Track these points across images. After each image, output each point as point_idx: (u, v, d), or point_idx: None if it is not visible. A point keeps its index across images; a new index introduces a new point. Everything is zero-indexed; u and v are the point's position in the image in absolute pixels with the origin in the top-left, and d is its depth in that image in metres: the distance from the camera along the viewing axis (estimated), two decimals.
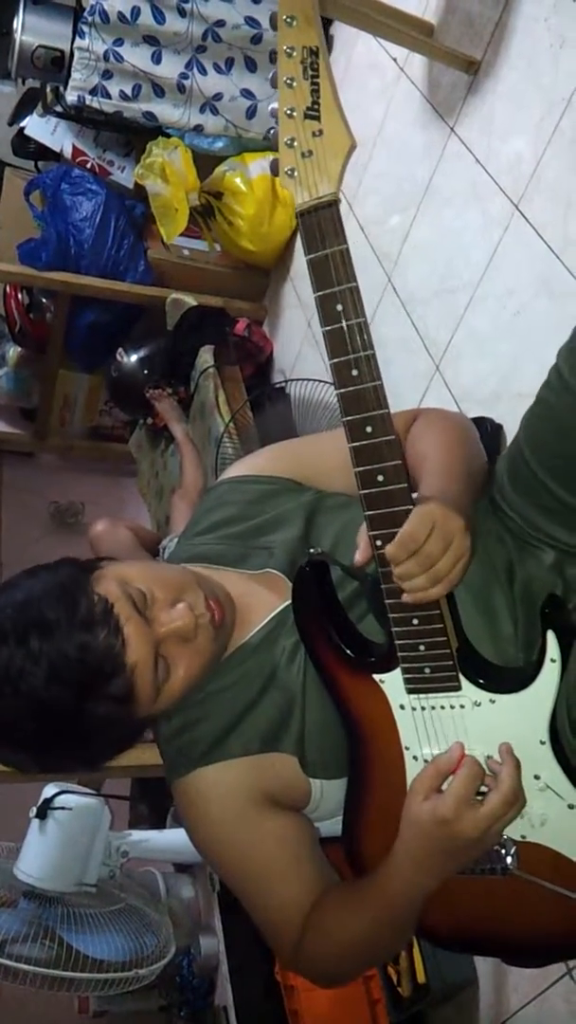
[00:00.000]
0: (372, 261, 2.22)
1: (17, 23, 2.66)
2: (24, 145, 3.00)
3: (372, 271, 2.20)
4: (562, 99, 1.59)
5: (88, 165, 2.93)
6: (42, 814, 1.50)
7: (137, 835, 1.66)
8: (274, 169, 0.72)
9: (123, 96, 2.60)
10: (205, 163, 2.73)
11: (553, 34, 1.63)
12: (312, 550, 0.90)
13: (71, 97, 2.59)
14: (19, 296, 3.14)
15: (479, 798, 0.82)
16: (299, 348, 2.73)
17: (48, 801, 1.52)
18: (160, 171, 2.63)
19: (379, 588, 0.83)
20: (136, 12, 2.45)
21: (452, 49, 1.87)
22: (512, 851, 0.87)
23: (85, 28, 2.47)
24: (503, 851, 0.87)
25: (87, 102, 2.60)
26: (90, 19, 2.45)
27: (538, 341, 1.65)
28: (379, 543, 0.81)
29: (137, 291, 2.90)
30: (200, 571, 1.00)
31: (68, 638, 0.84)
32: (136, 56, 2.54)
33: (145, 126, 2.71)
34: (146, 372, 2.82)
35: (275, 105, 0.72)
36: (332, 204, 0.73)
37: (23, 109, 2.99)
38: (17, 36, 2.66)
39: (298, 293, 2.78)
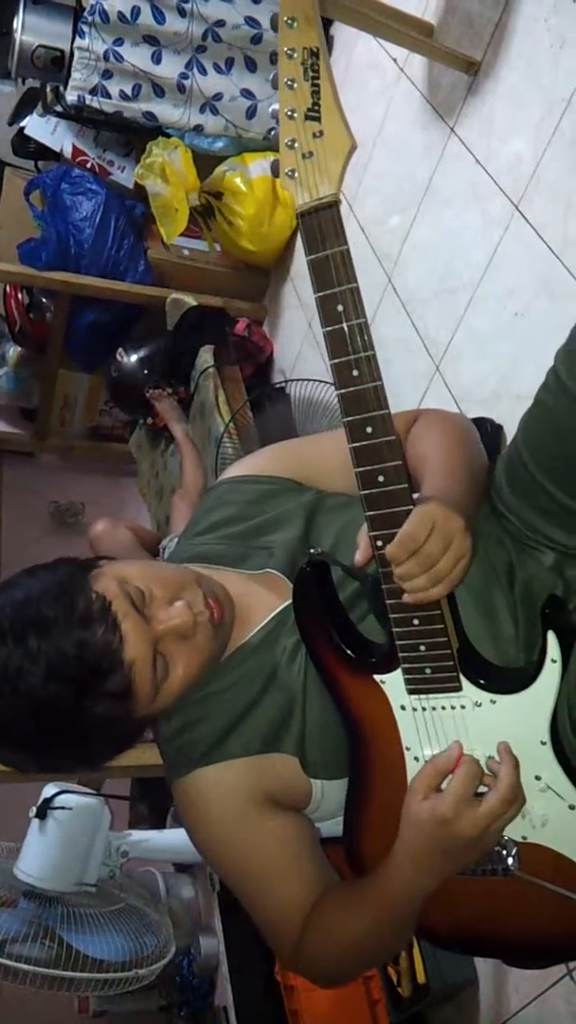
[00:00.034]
0: (372, 261, 2.22)
1: (17, 23, 2.66)
2: (24, 145, 3.00)
3: (372, 271, 2.20)
4: (562, 99, 1.59)
5: (88, 165, 2.93)
6: (42, 814, 1.50)
7: (137, 835, 1.66)
8: (275, 170, 0.72)
9: (123, 96, 2.60)
10: (205, 163, 2.72)
11: (553, 34, 1.63)
12: (313, 550, 0.90)
13: (71, 97, 2.59)
14: (19, 296, 3.14)
15: (478, 797, 0.82)
16: (299, 348, 2.73)
17: (48, 801, 1.52)
18: (160, 171, 2.63)
19: (380, 588, 0.83)
20: (136, 12, 2.45)
21: (452, 49, 1.87)
22: (513, 852, 0.87)
23: (85, 28, 2.47)
24: (504, 852, 0.87)
25: (87, 102, 2.60)
26: (90, 19, 2.45)
27: (538, 341, 1.65)
28: (380, 543, 0.81)
29: (137, 291, 2.90)
30: (200, 570, 1.00)
31: (66, 636, 0.84)
32: (136, 56, 2.54)
33: (145, 126, 2.71)
34: (146, 372, 2.82)
35: (276, 106, 0.72)
36: (333, 205, 0.73)
37: (23, 109, 2.99)
38: (17, 36, 2.66)
39: (298, 293, 2.78)
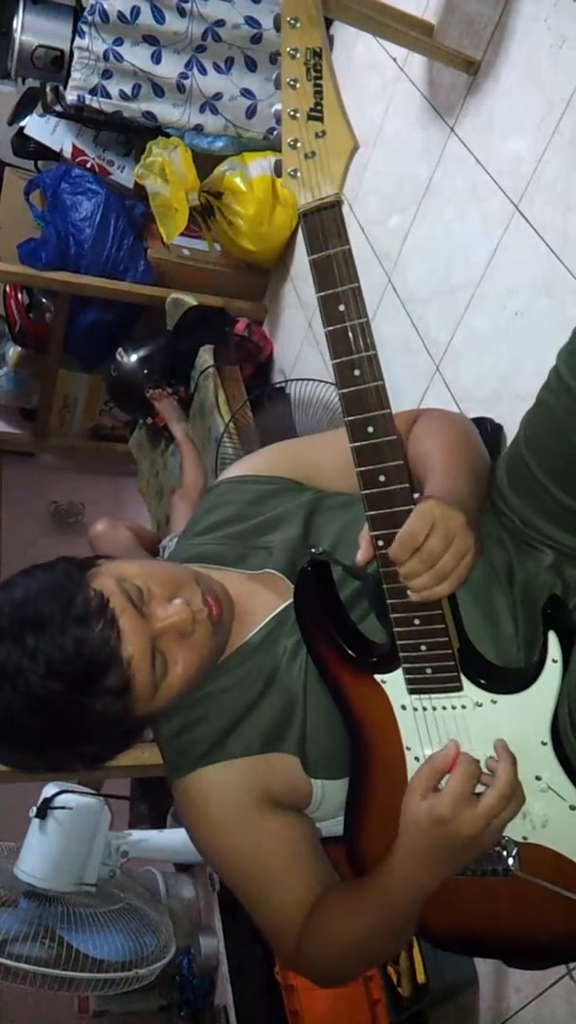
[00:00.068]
0: (372, 261, 2.22)
1: (17, 23, 2.66)
2: (24, 145, 3.00)
3: (372, 271, 2.20)
4: (562, 99, 1.59)
5: (88, 165, 2.93)
6: (42, 814, 1.50)
7: (137, 835, 1.66)
8: (277, 170, 0.72)
9: (123, 96, 2.60)
10: (205, 163, 2.72)
11: (553, 34, 1.63)
12: (314, 549, 0.90)
13: (71, 97, 2.59)
14: (19, 296, 3.14)
15: (477, 796, 0.82)
16: (299, 348, 2.73)
17: (48, 801, 1.52)
18: (160, 171, 2.63)
19: (381, 588, 0.83)
20: (136, 12, 2.45)
21: (452, 49, 1.87)
22: (513, 852, 0.87)
23: (85, 28, 2.47)
24: (504, 852, 0.87)
25: (87, 102, 2.60)
26: (90, 19, 2.45)
27: (538, 341, 1.65)
28: (381, 543, 0.81)
29: (137, 291, 2.90)
30: (199, 570, 1.00)
31: (64, 633, 0.84)
32: (136, 56, 2.53)
33: (145, 126, 2.71)
34: (146, 372, 2.82)
35: (278, 106, 0.72)
36: (335, 205, 0.73)
37: (23, 109, 2.99)
38: (17, 36, 2.66)
39: (298, 293, 2.78)
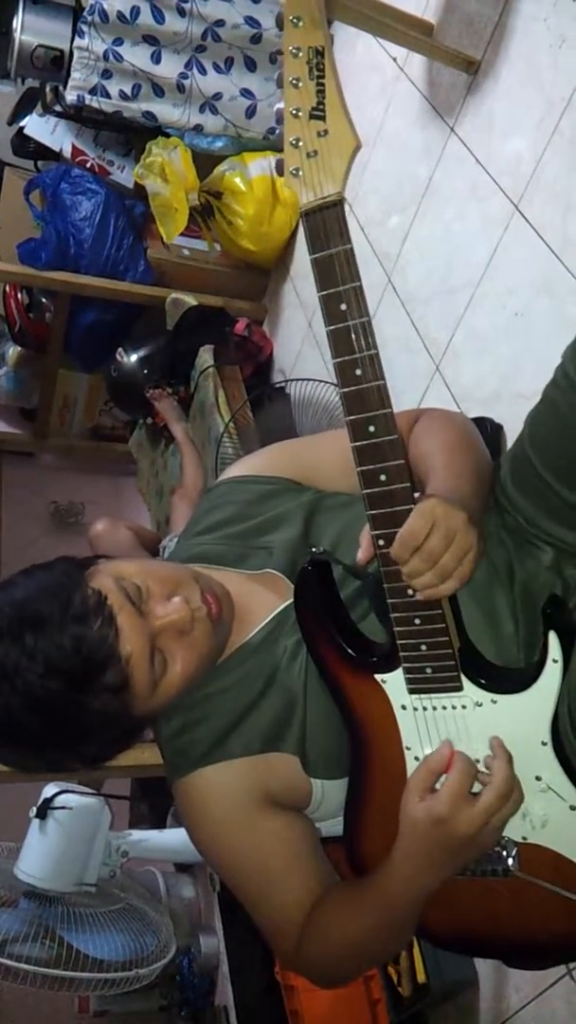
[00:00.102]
0: (372, 261, 2.22)
1: (16, 23, 2.66)
2: (24, 145, 3.00)
3: (372, 271, 2.20)
4: (562, 99, 1.59)
5: (88, 165, 2.93)
6: (42, 814, 1.50)
7: (137, 835, 1.66)
8: (279, 169, 0.71)
9: (123, 96, 2.60)
10: (205, 163, 2.72)
11: (553, 34, 1.63)
12: (314, 549, 0.90)
13: (71, 97, 2.58)
14: (19, 296, 3.14)
15: (475, 795, 0.82)
16: (299, 348, 2.73)
17: (48, 801, 1.52)
18: (160, 171, 2.63)
19: (381, 587, 0.83)
20: (136, 12, 2.45)
21: (452, 49, 1.87)
22: (513, 852, 0.87)
23: (84, 28, 2.47)
24: (504, 852, 0.87)
25: (87, 102, 2.60)
26: (89, 19, 2.45)
27: (538, 341, 1.65)
28: (382, 542, 0.81)
29: (137, 291, 2.90)
30: (199, 569, 1.00)
31: (62, 632, 0.84)
32: (136, 56, 2.53)
33: (145, 126, 2.71)
34: (146, 372, 2.82)
35: (280, 105, 0.72)
36: (337, 204, 0.73)
37: (23, 109, 2.99)
38: (16, 36, 2.66)
39: (298, 293, 2.78)
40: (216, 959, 2.20)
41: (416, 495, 0.81)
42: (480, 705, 0.85)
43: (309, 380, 2.35)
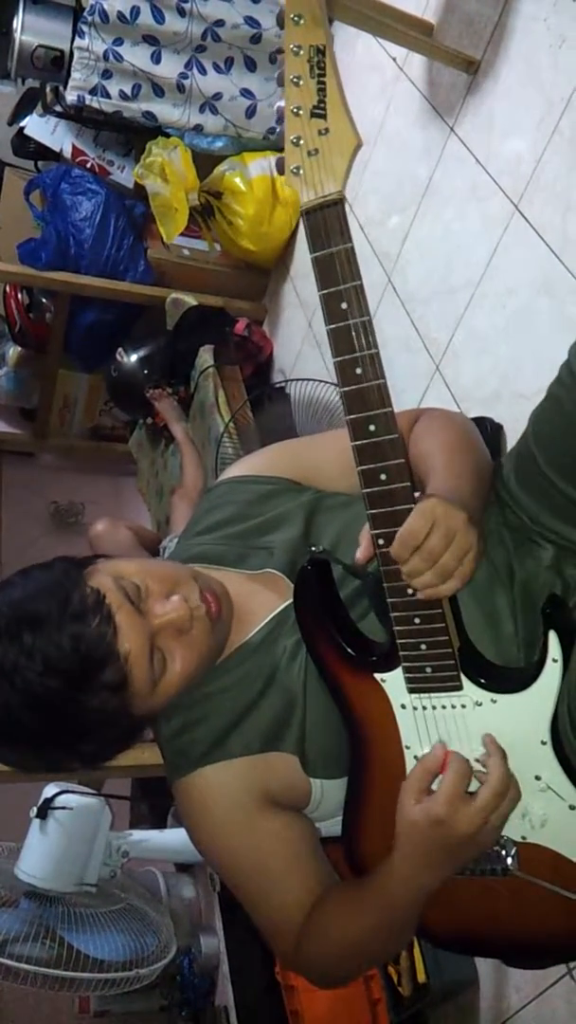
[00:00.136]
0: (372, 261, 2.22)
1: (17, 23, 2.66)
2: (24, 145, 3.00)
3: (372, 271, 2.21)
4: (562, 99, 1.59)
5: (88, 165, 2.93)
6: (43, 814, 1.50)
7: (138, 835, 1.66)
8: (280, 167, 0.71)
9: (123, 96, 2.60)
10: (205, 163, 2.72)
11: (553, 34, 1.63)
12: (314, 548, 0.90)
13: (71, 97, 2.59)
14: (19, 296, 3.14)
15: (472, 794, 0.82)
16: (299, 348, 2.73)
17: (49, 801, 1.52)
18: (160, 171, 2.63)
19: (381, 587, 0.83)
20: (136, 12, 2.45)
21: (452, 49, 1.87)
22: (512, 852, 0.87)
23: (85, 28, 2.47)
24: (503, 852, 0.87)
25: (87, 102, 2.60)
26: (90, 19, 2.45)
27: (538, 341, 1.65)
28: (382, 542, 0.81)
29: (137, 291, 2.90)
30: (199, 569, 1.00)
31: (60, 630, 0.84)
32: (136, 56, 2.53)
33: (145, 126, 2.71)
34: (146, 372, 2.82)
35: (281, 103, 0.72)
36: (338, 202, 0.73)
37: (23, 109, 2.99)
38: (17, 36, 2.66)
39: (298, 292, 2.78)
40: (216, 959, 2.20)
41: (416, 495, 0.81)
42: (480, 704, 0.85)
43: (309, 380, 2.35)
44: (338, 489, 1.09)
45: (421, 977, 1.68)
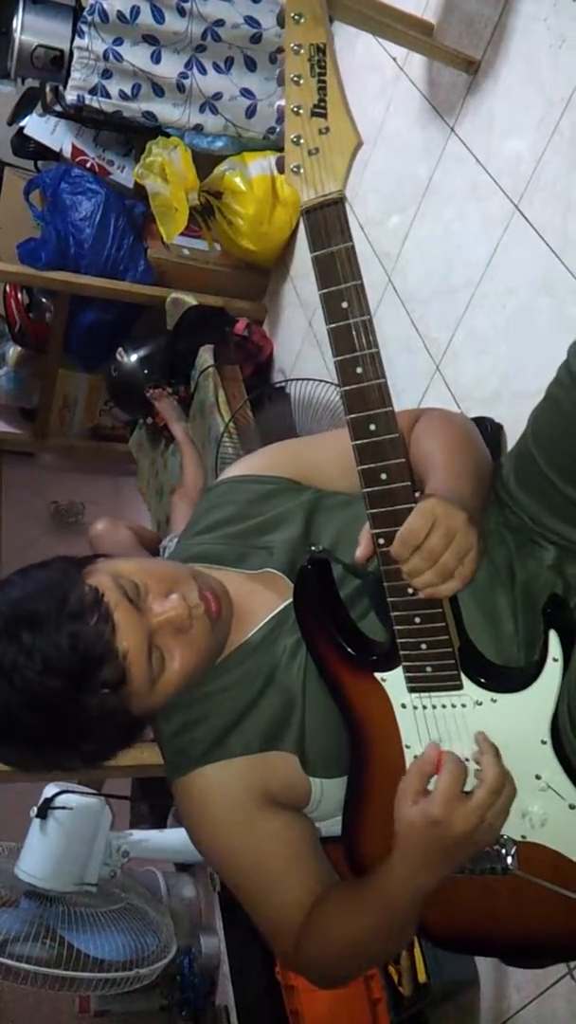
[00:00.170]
0: (372, 260, 2.22)
1: (16, 22, 2.66)
2: (24, 145, 3.00)
3: (372, 270, 2.20)
4: (562, 99, 1.59)
5: (88, 165, 2.93)
6: (43, 814, 1.50)
7: (138, 835, 1.66)
8: (280, 166, 0.71)
9: (123, 95, 2.60)
10: (205, 162, 2.73)
11: (553, 34, 1.63)
12: (314, 547, 0.90)
13: (70, 97, 2.59)
14: (19, 296, 3.14)
15: (468, 794, 0.82)
16: (299, 347, 2.73)
17: (49, 801, 1.52)
18: (160, 171, 2.63)
19: (381, 586, 0.83)
20: (135, 11, 2.45)
21: (452, 49, 1.87)
22: (512, 851, 0.87)
23: (84, 27, 2.47)
24: (503, 851, 0.87)
25: (87, 101, 2.60)
26: (89, 18, 2.45)
27: (538, 341, 1.65)
28: (382, 541, 0.81)
29: (137, 291, 2.90)
30: (199, 568, 1.00)
31: (58, 629, 0.84)
32: (135, 55, 2.53)
33: (145, 125, 2.71)
34: (146, 372, 2.82)
35: (282, 102, 0.72)
36: (338, 201, 0.73)
37: (22, 109, 2.99)
38: (16, 35, 2.66)
39: (298, 292, 2.78)
40: (217, 959, 2.20)
41: (416, 495, 0.81)
42: (480, 704, 0.85)
43: (309, 380, 2.35)
44: (338, 489, 1.09)
45: (421, 977, 1.68)
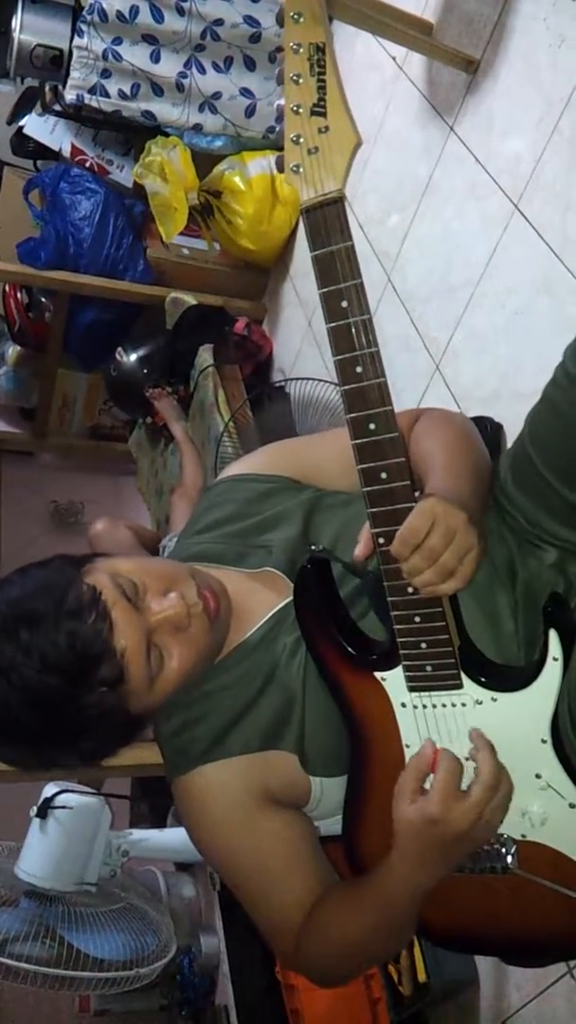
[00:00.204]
0: (372, 260, 2.22)
1: (16, 22, 2.66)
2: (23, 144, 3.00)
3: (372, 270, 2.20)
4: (561, 98, 1.59)
5: (87, 164, 2.93)
6: (43, 813, 1.50)
7: (138, 834, 1.66)
8: (279, 165, 0.71)
9: (122, 95, 2.60)
10: (204, 162, 2.72)
11: (552, 33, 1.63)
12: (313, 547, 0.90)
13: (70, 96, 2.58)
14: (18, 295, 3.14)
15: (465, 791, 0.82)
16: (299, 347, 2.73)
17: (48, 800, 1.52)
18: (159, 170, 2.63)
19: (381, 585, 0.83)
20: (135, 11, 2.45)
21: (451, 48, 1.87)
22: (512, 850, 0.87)
23: (84, 27, 2.47)
24: (503, 850, 0.87)
25: (86, 101, 2.60)
26: (89, 18, 2.45)
27: (538, 340, 1.65)
28: (382, 541, 0.81)
29: (136, 290, 2.90)
30: (198, 567, 1.00)
31: (56, 627, 0.84)
32: (135, 55, 2.53)
33: (144, 125, 2.71)
34: (145, 371, 2.82)
35: (281, 102, 0.72)
36: (338, 201, 0.73)
37: (22, 108, 2.99)
38: (16, 35, 2.65)
39: (297, 292, 2.78)
40: (216, 958, 2.20)
41: (416, 494, 0.81)
42: (480, 703, 0.85)
43: (309, 379, 2.35)
44: (338, 488, 1.09)
45: (421, 976, 1.68)
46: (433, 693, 0.85)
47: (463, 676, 0.84)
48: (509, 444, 1.08)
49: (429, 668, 0.84)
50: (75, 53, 2.51)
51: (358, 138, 0.72)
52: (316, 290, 0.75)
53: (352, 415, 0.78)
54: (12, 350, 3.30)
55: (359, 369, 0.76)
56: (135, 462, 3.15)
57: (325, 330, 0.76)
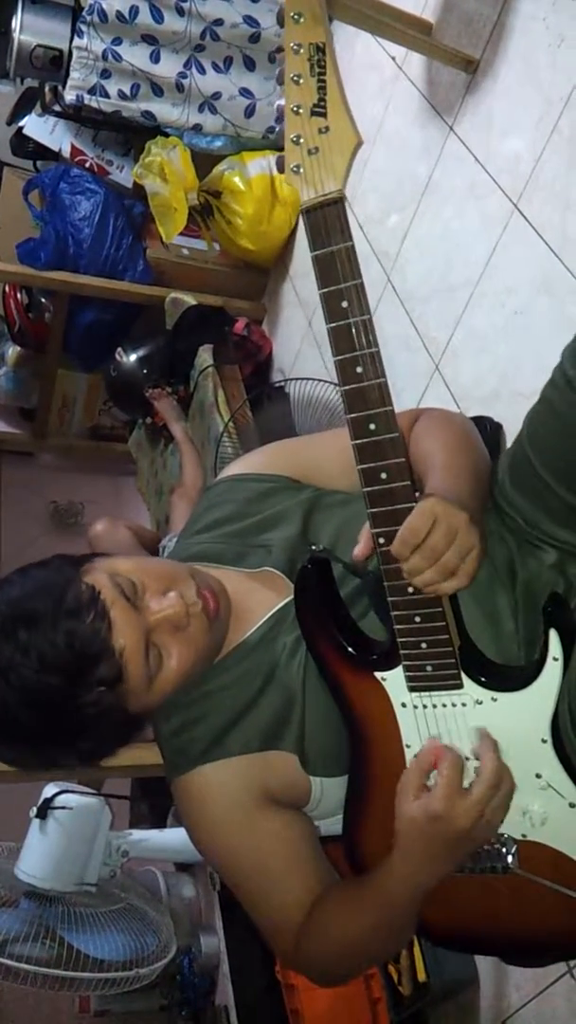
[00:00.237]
0: (371, 259, 2.22)
1: (15, 22, 2.66)
2: (23, 145, 3.00)
3: (371, 269, 2.20)
4: (560, 98, 1.59)
5: (87, 164, 2.93)
6: (42, 814, 1.50)
7: (137, 834, 1.66)
8: (280, 166, 0.71)
9: (121, 95, 2.60)
10: (204, 162, 2.72)
11: (552, 33, 1.63)
12: (314, 547, 0.90)
13: (69, 96, 2.59)
14: (18, 296, 3.14)
15: (467, 789, 0.82)
16: (298, 347, 2.73)
17: (48, 801, 1.52)
18: (159, 170, 2.63)
19: (381, 585, 0.83)
20: (134, 11, 2.45)
21: (451, 48, 1.87)
22: (512, 850, 0.87)
23: (83, 27, 2.47)
24: (503, 849, 0.87)
25: (86, 101, 2.60)
26: (88, 18, 2.45)
27: (537, 340, 1.65)
28: (382, 540, 0.81)
29: (136, 290, 2.90)
30: (197, 567, 1.00)
31: (55, 627, 0.84)
32: (134, 55, 2.53)
33: (144, 125, 2.71)
34: (145, 371, 2.82)
35: (281, 102, 0.72)
36: (338, 201, 0.73)
37: (22, 108, 2.99)
38: (15, 35, 2.65)
39: (297, 292, 2.78)
40: (216, 958, 2.20)
41: (416, 494, 0.81)
42: (480, 703, 0.85)
43: (308, 379, 2.35)
44: (338, 487, 1.09)
45: (421, 976, 1.68)
46: (433, 693, 0.85)
47: (463, 676, 0.84)
48: (509, 444, 1.08)
49: (429, 668, 0.84)
50: (75, 53, 2.52)
51: (358, 138, 0.72)
52: (316, 290, 0.75)
53: (352, 415, 0.78)
54: (12, 350, 3.30)
55: (359, 369, 0.76)
56: (135, 462, 3.15)
57: (325, 330, 0.76)
